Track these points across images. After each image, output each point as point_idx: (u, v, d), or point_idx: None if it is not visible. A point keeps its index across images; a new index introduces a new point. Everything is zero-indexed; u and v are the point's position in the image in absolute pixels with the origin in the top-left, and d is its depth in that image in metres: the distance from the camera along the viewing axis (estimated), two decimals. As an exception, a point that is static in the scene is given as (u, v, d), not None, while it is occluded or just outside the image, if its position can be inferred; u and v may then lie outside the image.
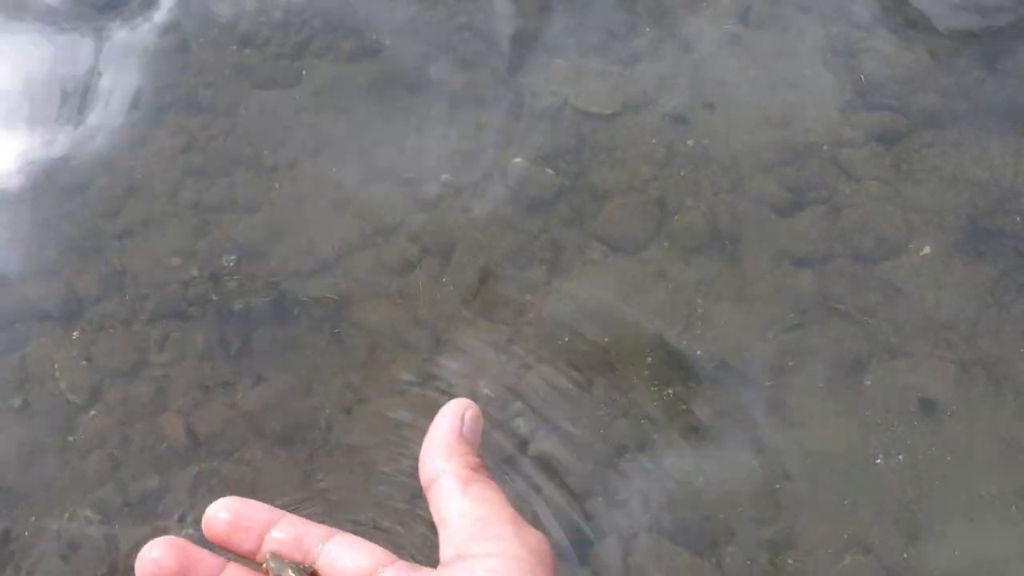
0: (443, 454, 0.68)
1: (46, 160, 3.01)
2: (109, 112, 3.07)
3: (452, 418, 0.71)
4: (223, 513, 0.70)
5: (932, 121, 3.06)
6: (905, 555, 2.48)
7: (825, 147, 3.02)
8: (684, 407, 2.69)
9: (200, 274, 2.83)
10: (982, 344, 2.82)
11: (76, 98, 3.09)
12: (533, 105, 3.11)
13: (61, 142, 3.04)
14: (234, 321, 2.74)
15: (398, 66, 3.18)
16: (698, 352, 2.75)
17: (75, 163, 2.99)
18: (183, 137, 3.02)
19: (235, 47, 3.24)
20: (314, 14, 3.29)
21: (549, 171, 3.00)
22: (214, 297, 2.78)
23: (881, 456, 2.67)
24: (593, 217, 2.95)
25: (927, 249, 2.92)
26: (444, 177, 2.94)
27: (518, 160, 2.97)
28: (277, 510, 0.72)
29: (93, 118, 3.08)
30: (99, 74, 3.17)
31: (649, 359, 2.75)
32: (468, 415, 0.71)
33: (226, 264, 2.84)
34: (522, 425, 2.59)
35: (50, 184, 2.96)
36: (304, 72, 3.20)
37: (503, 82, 3.15)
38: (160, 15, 3.27)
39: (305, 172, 2.96)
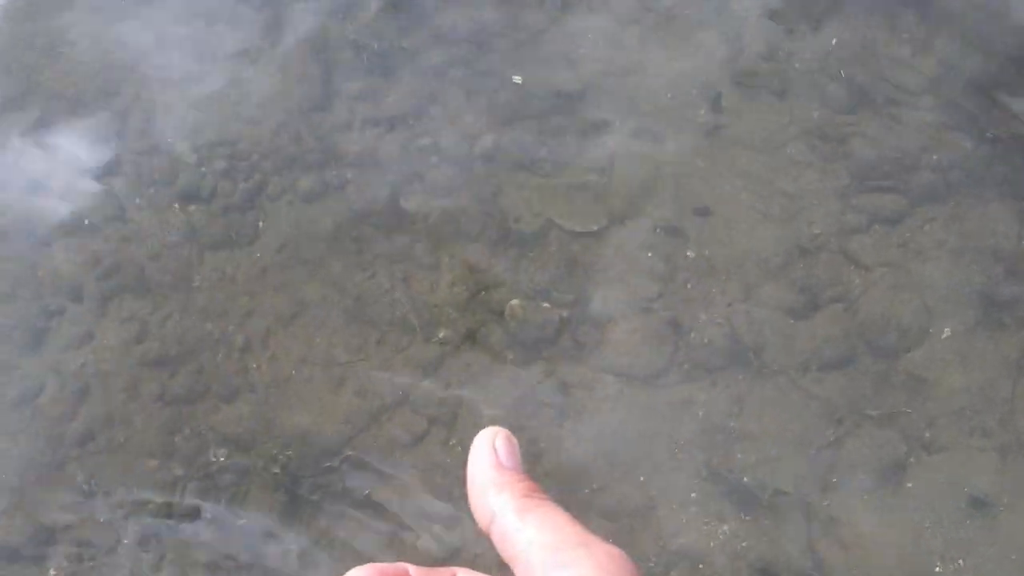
0: (491, 490, 0.65)
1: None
2: (45, 310, 2.72)
3: (486, 451, 0.67)
4: None
5: (930, 196, 2.95)
6: None
7: (832, 239, 2.88)
8: (743, 544, 2.50)
9: (187, 473, 2.51)
10: (1019, 423, 2.72)
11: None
12: (519, 231, 2.88)
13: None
14: (243, 531, 2.43)
15: (366, 203, 2.91)
16: (746, 479, 2.57)
17: (19, 372, 2.63)
18: (133, 326, 2.69)
19: (177, 205, 2.92)
20: (262, 155, 2.98)
21: (545, 305, 2.77)
22: (207, 502, 2.47)
23: (939, 563, 2.54)
24: (599, 348, 2.74)
25: (947, 331, 2.80)
26: (442, 334, 2.68)
27: (515, 302, 2.74)
28: None
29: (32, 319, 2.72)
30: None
31: (693, 494, 2.56)
32: (499, 442, 0.67)
33: (215, 459, 2.53)
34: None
35: (-7, 400, 2.60)
36: (261, 223, 2.90)
37: (483, 210, 2.91)
38: (85, 182, 2.92)
39: (283, 346, 2.65)
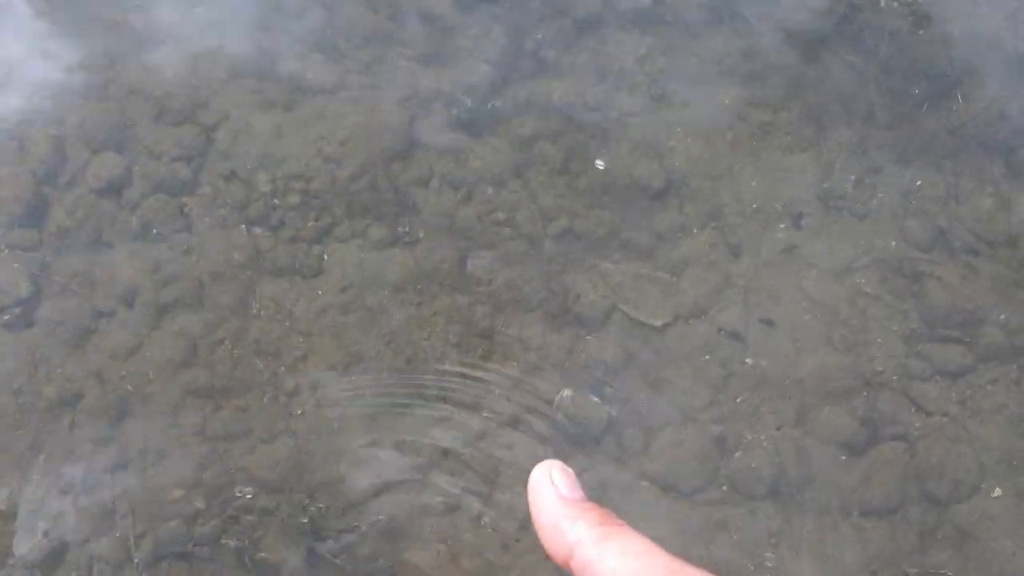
0: (563, 523, 0.62)
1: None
2: (96, 310, 2.68)
3: (546, 486, 0.65)
4: None
5: (995, 355, 2.91)
6: None
7: (895, 377, 2.83)
8: None
9: (208, 508, 2.45)
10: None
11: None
12: (579, 311, 2.84)
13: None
14: (253, 570, 2.36)
15: (433, 261, 2.87)
16: (776, 625, 2.50)
17: (59, 372, 2.58)
18: (184, 344, 2.64)
19: (245, 227, 2.89)
20: (336, 196, 2.96)
21: (595, 399, 2.72)
22: (228, 540, 2.40)
23: None
24: (643, 452, 2.68)
25: (998, 491, 2.75)
26: (486, 413, 2.63)
27: (567, 392, 2.69)
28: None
29: (80, 317, 2.68)
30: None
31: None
32: (556, 475, 0.65)
33: (240, 497, 2.47)
34: None
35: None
36: (326, 257, 2.86)
37: (548, 284, 2.87)
38: (157, 193, 2.90)
39: (330, 396, 2.60)
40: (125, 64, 3.09)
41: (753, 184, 3.12)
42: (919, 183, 3.18)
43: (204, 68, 3.11)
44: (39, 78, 3.02)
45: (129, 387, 2.58)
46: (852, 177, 3.16)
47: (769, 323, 2.89)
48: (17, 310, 2.62)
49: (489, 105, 3.16)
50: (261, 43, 3.18)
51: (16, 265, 2.71)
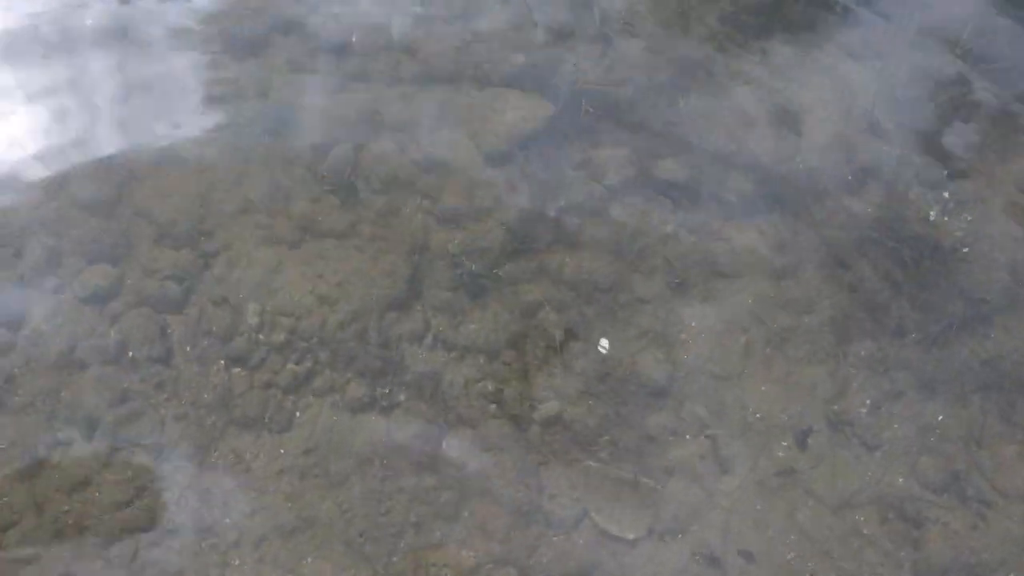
0: None
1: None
2: (53, 438, 2.60)
3: None
4: None
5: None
6: None
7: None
8: None
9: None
10: None
11: None
12: (550, 511, 2.68)
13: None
14: None
15: (407, 435, 2.74)
16: None
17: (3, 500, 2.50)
18: (131, 489, 2.54)
19: (224, 362, 2.79)
20: (322, 340, 2.85)
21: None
22: None
23: None
24: None
25: None
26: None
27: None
28: None
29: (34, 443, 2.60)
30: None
31: None
32: None
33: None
34: None
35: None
36: (298, 414, 2.75)
37: (521, 477, 2.72)
38: (143, 310, 2.82)
39: (273, 556, 2.48)
40: (139, 184, 3.04)
41: (761, 391, 2.94)
42: (940, 417, 2.97)
43: (216, 198, 3.05)
44: (47, 185, 2.99)
45: (69, 520, 2.49)
46: (868, 400, 2.97)
47: (749, 557, 2.69)
48: (-27, 426, 2.55)
49: (497, 271, 3.03)
50: (280, 180, 3.11)
51: (-18, 370, 2.64)
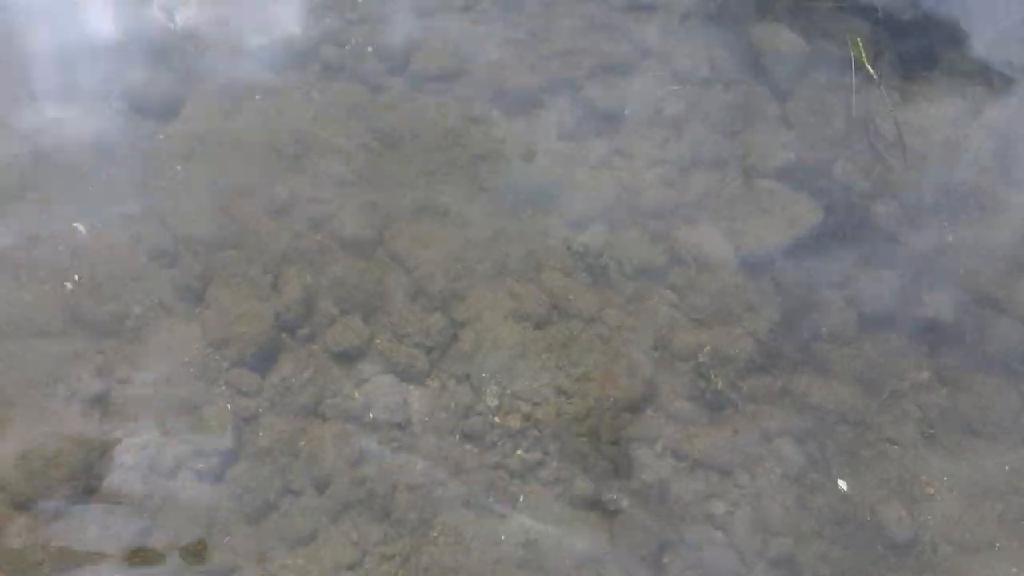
0: None
1: None
2: None
3: None
4: None
5: None
6: None
7: None
8: None
9: None
10: None
11: None
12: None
13: None
14: None
15: (628, 544, 2.64)
16: None
17: (229, 543, 2.56)
18: (354, 552, 2.55)
19: (458, 436, 2.78)
20: (552, 435, 2.80)
21: None
22: None
23: None
24: None
25: None
26: None
27: None
28: None
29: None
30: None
31: None
32: None
33: None
34: None
35: None
36: (521, 498, 2.71)
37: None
38: (389, 379, 2.85)
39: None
40: (399, 229, 3.10)
41: (1012, 572, 2.69)
42: None
43: (471, 257, 3.07)
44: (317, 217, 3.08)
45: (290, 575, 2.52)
46: None
47: None
48: (214, 460, 2.61)
49: (742, 386, 2.91)
50: (535, 250, 3.11)
51: (228, 407, 2.71)
